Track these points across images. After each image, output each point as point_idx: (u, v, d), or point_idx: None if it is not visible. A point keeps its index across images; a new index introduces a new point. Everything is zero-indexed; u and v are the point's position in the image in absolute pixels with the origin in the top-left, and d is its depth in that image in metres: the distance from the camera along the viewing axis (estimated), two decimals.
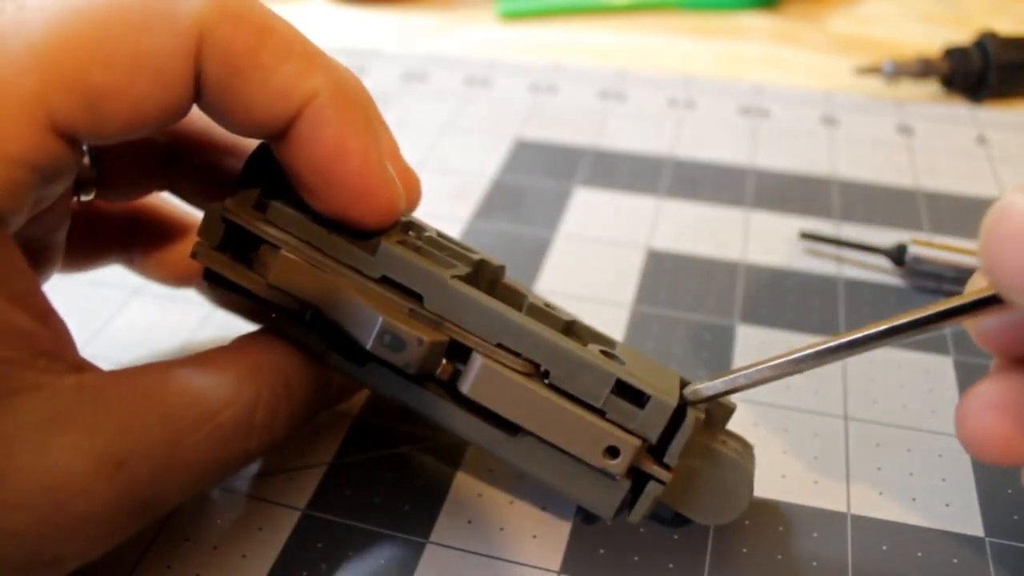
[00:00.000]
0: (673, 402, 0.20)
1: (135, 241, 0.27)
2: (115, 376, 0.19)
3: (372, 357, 0.20)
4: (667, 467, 0.21)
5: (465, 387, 0.20)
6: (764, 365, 0.20)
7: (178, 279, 0.28)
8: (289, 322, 0.21)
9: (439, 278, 0.20)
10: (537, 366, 0.20)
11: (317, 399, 0.22)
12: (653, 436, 0.20)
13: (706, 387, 0.21)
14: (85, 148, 0.23)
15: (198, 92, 0.19)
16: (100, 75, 0.17)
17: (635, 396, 0.20)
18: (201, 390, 0.19)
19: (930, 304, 0.19)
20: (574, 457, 0.20)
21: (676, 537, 0.24)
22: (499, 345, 0.20)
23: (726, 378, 0.21)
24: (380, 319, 0.19)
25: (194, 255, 0.21)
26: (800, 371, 0.20)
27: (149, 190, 0.26)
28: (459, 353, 0.21)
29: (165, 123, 0.19)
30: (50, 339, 0.18)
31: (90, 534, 0.17)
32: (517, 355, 0.20)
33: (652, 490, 0.21)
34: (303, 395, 0.21)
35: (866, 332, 0.20)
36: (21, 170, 0.17)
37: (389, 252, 0.21)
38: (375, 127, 0.20)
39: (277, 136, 0.20)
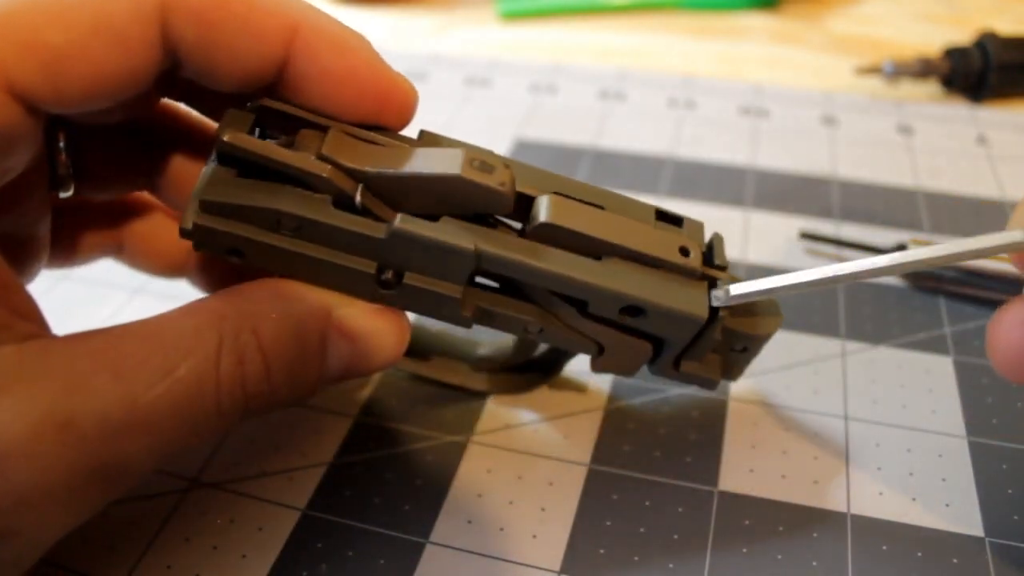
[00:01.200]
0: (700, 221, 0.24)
1: (123, 232, 0.26)
2: (65, 339, 0.18)
3: (446, 211, 0.20)
4: (722, 268, 0.23)
5: (543, 215, 0.21)
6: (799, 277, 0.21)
7: (170, 268, 0.27)
8: (336, 207, 0.20)
9: (483, 149, 0.21)
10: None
11: (302, 355, 0.20)
12: (699, 244, 0.23)
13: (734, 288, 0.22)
14: (62, 144, 0.22)
15: (177, 60, 0.19)
16: (57, 36, 0.17)
17: (674, 220, 0.23)
18: (157, 343, 0.18)
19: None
20: (655, 267, 0.21)
21: (676, 537, 0.24)
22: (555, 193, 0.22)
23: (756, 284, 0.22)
24: (461, 151, 0.20)
25: (220, 135, 0.19)
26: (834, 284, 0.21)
27: (130, 189, 0.25)
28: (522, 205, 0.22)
29: (128, 90, 0.19)
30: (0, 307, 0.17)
31: (43, 502, 0.16)
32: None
33: (722, 285, 0.22)
34: (279, 346, 0.19)
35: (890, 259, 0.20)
36: None
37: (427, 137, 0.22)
38: (358, 34, 0.21)
39: (273, 79, 0.20)
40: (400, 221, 0.19)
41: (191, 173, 0.24)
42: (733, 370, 0.25)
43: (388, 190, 0.20)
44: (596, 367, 0.24)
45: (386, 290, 0.21)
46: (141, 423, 0.17)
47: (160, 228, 0.27)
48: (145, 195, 0.27)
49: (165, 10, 0.18)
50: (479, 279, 0.22)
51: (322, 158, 0.19)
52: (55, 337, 0.18)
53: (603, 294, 0.21)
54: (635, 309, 0.21)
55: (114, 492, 0.17)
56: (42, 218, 0.23)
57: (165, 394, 0.17)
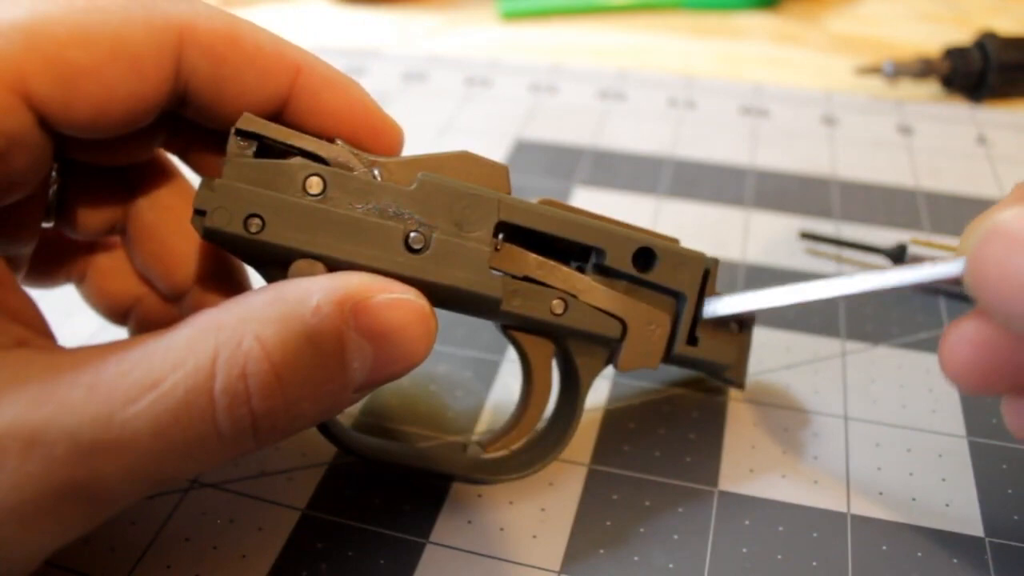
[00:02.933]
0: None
1: (89, 263, 0.26)
2: (50, 352, 0.17)
3: None
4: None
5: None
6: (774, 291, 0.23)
7: (114, 313, 0.26)
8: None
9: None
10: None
11: (319, 361, 0.18)
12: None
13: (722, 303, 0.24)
14: (54, 174, 0.23)
15: (186, 94, 0.20)
16: (78, 54, 0.18)
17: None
18: (141, 356, 0.16)
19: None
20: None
21: (676, 537, 0.24)
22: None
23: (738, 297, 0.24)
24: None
25: (238, 132, 0.20)
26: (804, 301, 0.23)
27: (102, 233, 0.25)
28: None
29: (134, 117, 0.19)
30: None
31: (8, 520, 0.15)
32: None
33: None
34: (288, 352, 0.17)
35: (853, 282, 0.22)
36: None
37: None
38: (351, 78, 0.22)
39: (275, 114, 0.21)
40: (424, 175, 0.21)
41: (165, 227, 0.24)
42: (739, 365, 0.26)
43: (396, 174, 0.21)
44: (623, 362, 0.23)
45: (414, 253, 0.20)
46: (118, 442, 0.15)
47: (117, 270, 0.26)
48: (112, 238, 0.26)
49: (181, 42, 0.19)
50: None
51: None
52: (44, 347, 0.17)
53: (618, 236, 0.23)
54: (647, 253, 0.23)
55: (99, 514, 0.16)
56: (31, 241, 0.23)
57: (146, 411, 0.16)
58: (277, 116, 0.21)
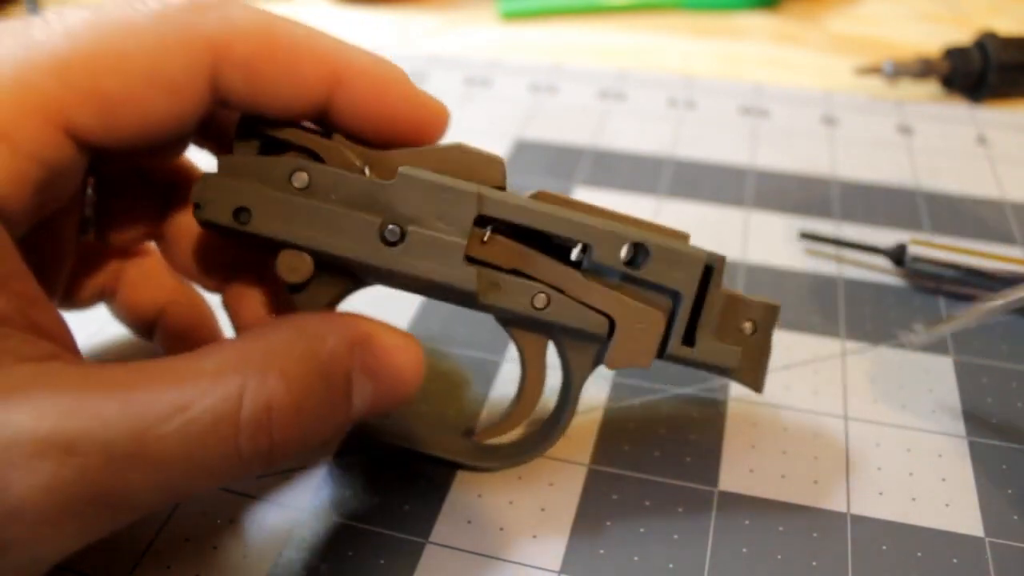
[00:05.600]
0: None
1: (119, 279, 0.27)
2: (82, 366, 0.18)
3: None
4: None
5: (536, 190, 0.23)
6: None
7: (140, 323, 0.28)
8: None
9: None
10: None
11: (330, 397, 0.19)
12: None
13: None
14: (90, 190, 0.23)
15: (221, 104, 0.20)
16: (114, 83, 0.18)
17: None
18: (172, 379, 0.17)
19: None
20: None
21: (676, 537, 0.24)
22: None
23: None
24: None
25: (240, 135, 0.21)
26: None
27: (140, 239, 0.26)
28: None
29: (174, 134, 0.20)
30: (24, 327, 0.18)
31: (39, 520, 0.16)
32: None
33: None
34: (307, 388, 0.19)
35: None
36: (29, 163, 0.18)
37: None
38: (394, 66, 0.22)
39: (316, 118, 0.21)
40: (404, 169, 0.21)
41: (197, 231, 0.25)
42: (754, 367, 0.25)
43: (391, 166, 0.21)
44: (611, 360, 0.23)
45: (390, 246, 0.21)
46: (148, 457, 0.17)
47: (145, 280, 0.27)
48: (148, 245, 0.28)
49: (216, 61, 0.20)
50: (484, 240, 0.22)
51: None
52: (74, 361, 0.18)
53: (605, 232, 0.22)
54: (639, 249, 0.22)
55: (120, 521, 0.17)
56: (66, 260, 0.24)
57: (176, 432, 0.17)
58: (320, 118, 0.21)
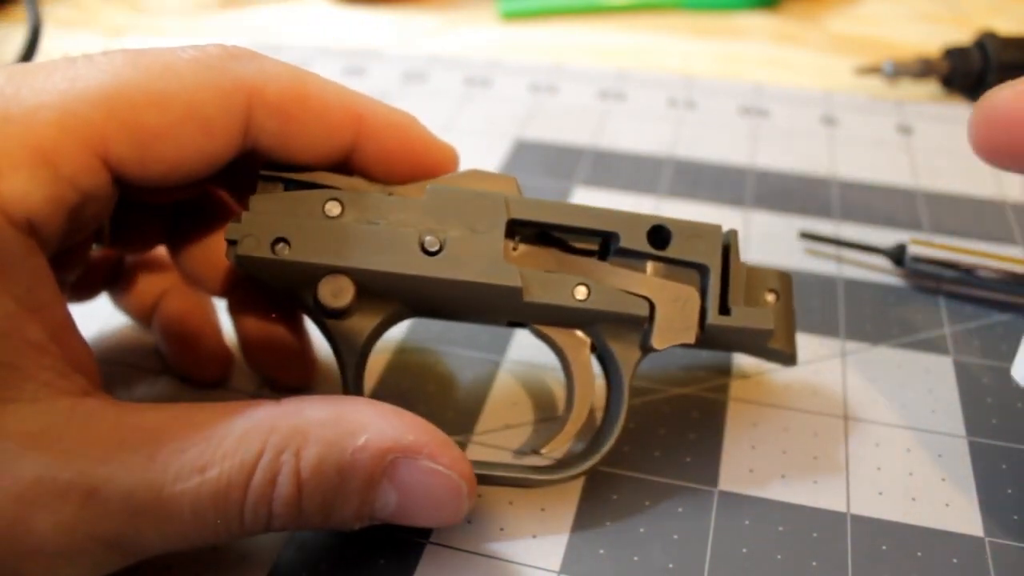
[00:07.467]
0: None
1: (121, 274, 0.28)
2: (116, 407, 0.19)
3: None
4: None
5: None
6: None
7: (141, 314, 0.29)
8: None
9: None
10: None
11: (341, 491, 0.19)
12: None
13: None
14: None
15: (252, 148, 0.21)
16: (154, 118, 0.19)
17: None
18: (200, 437, 0.18)
19: None
20: None
21: (676, 537, 0.24)
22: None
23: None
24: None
25: (262, 176, 0.22)
26: None
27: (150, 248, 0.27)
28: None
29: (202, 173, 0.21)
30: (60, 356, 0.18)
31: (55, 557, 0.17)
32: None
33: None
34: (317, 475, 0.19)
35: None
36: (68, 188, 0.18)
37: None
38: (408, 114, 0.24)
39: (341, 161, 0.22)
40: (432, 184, 0.22)
41: (208, 240, 0.26)
42: (785, 335, 0.25)
43: (414, 195, 0.22)
44: (659, 340, 0.23)
45: (431, 256, 0.21)
46: (162, 510, 0.18)
47: (144, 268, 0.28)
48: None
49: (250, 104, 0.20)
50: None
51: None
52: (107, 400, 0.19)
53: (628, 218, 0.23)
54: (661, 231, 0.23)
55: (129, 561, 0.18)
56: (77, 269, 0.24)
57: (192, 490, 0.18)
58: (343, 164, 0.22)
